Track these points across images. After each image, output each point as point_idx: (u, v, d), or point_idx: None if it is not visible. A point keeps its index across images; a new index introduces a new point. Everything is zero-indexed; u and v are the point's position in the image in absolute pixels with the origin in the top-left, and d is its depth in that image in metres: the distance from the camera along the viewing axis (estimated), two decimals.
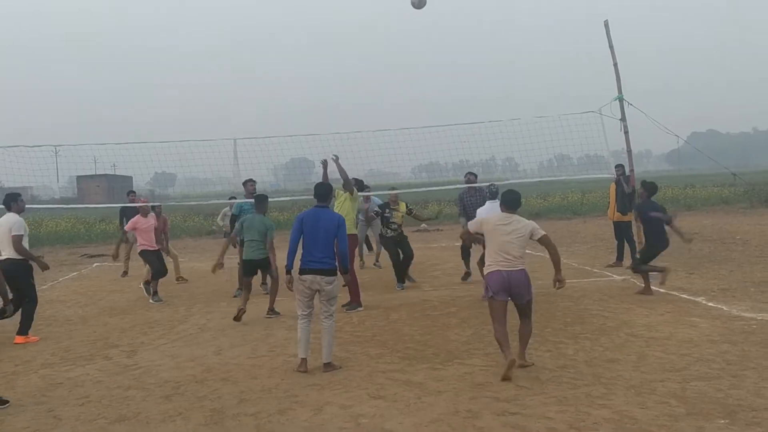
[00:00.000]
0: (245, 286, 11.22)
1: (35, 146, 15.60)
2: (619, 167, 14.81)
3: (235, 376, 7.78)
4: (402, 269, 13.77)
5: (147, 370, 8.27)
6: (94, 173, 65.25)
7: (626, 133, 13.75)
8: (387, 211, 13.90)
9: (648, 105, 15.49)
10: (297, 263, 8.11)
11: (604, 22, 13.81)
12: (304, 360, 7.97)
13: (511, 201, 7.83)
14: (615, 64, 13.75)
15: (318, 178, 12.06)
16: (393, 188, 14.82)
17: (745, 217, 26.95)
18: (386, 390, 7.00)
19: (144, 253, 13.40)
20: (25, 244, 10.08)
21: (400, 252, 13.67)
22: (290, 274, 8.12)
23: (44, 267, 10.67)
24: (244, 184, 13.71)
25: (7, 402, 7.13)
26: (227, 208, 17.15)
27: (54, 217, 34.19)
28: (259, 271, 11.72)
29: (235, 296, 12.92)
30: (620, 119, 13.74)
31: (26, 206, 10.72)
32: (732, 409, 6.03)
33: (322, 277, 7.96)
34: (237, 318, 10.57)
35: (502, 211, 7.87)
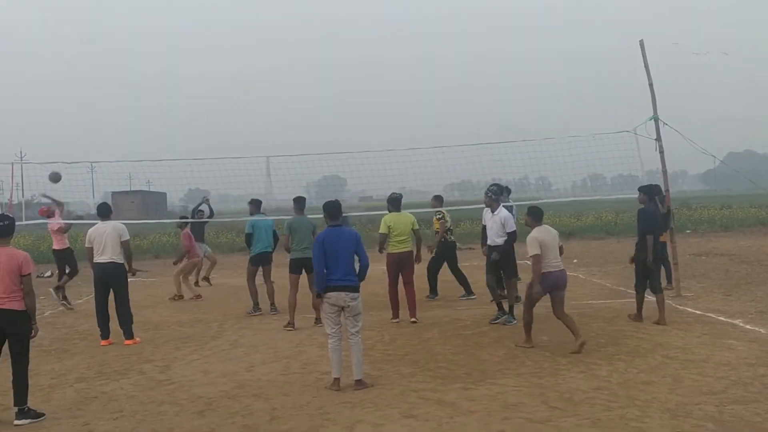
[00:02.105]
0: (293, 284, 11.78)
1: (72, 163, 15.82)
2: (654, 187, 14.63)
3: (267, 393, 7.80)
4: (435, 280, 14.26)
5: (180, 385, 8.32)
6: (128, 189, 66.09)
7: (661, 153, 13.62)
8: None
9: (684, 124, 15.34)
10: None
11: (640, 41, 13.73)
12: (337, 380, 7.97)
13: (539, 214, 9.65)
14: (650, 84, 13.65)
15: (350, 195, 12.32)
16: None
17: None
18: (418, 409, 6.98)
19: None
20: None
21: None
22: (320, 297, 8.15)
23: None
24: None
25: (43, 415, 7.23)
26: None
27: None
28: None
29: (249, 313, 13.23)
30: (655, 139, 13.61)
31: (63, 221, 11.12)
32: None
33: (347, 293, 8.02)
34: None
35: (534, 223, 9.56)
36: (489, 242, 11.47)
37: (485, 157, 16.19)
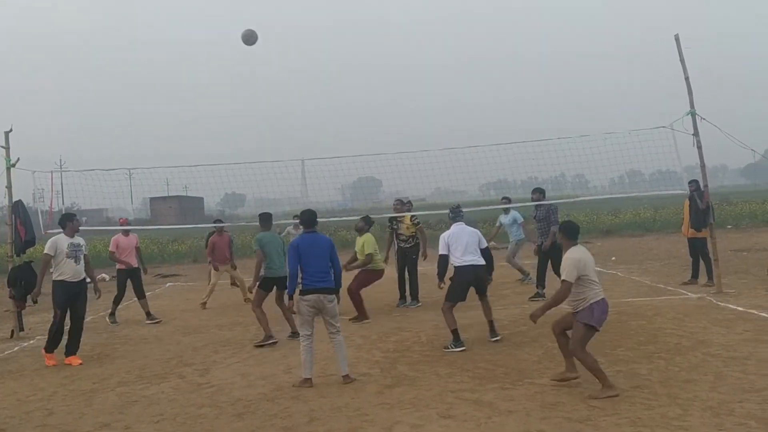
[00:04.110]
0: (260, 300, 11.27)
1: (110, 169, 16.07)
2: (693, 183, 14.45)
3: (305, 395, 7.84)
4: (403, 286, 14.20)
5: (219, 388, 8.40)
6: (166, 195, 66.84)
7: (699, 148, 13.42)
8: (394, 223, 14.26)
9: (722, 118, 15.11)
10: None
11: (675, 36, 13.57)
12: (308, 380, 8.24)
13: (575, 231, 7.84)
14: (686, 78, 13.47)
15: (386, 196, 12.42)
16: (400, 201, 14.60)
17: None
18: (456, 409, 6.96)
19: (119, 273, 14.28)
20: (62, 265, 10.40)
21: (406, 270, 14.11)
22: (292, 298, 8.60)
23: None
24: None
25: None
26: (291, 227, 17.45)
27: None
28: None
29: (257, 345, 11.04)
30: (693, 134, 13.43)
31: (102, 228, 11.16)
32: None
33: (325, 295, 8.35)
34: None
35: (568, 242, 7.74)
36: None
37: (521, 156, 16.08)
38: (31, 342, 12.28)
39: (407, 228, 14.04)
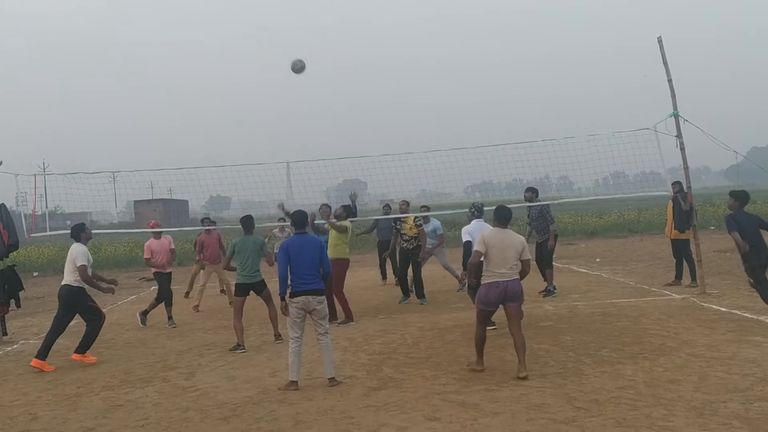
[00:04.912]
0: (239, 309, 11.09)
1: (94, 173, 15.98)
2: (676, 184, 14.55)
3: (291, 398, 7.82)
4: (406, 283, 14.64)
5: (205, 392, 8.37)
6: (151, 198, 66.50)
7: (683, 149, 13.50)
8: (398, 223, 14.65)
9: (705, 120, 15.21)
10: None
11: (658, 38, 13.64)
12: (294, 382, 8.24)
13: (505, 217, 8.44)
14: (669, 80, 13.55)
15: (371, 199, 12.42)
16: (405, 201, 15.19)
17: None
18: (442, 411, 6.96)
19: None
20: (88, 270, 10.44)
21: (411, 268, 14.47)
22: (284, 300, 8.52)
23: (109, 290, 11.09)
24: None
25: None
26: (276, 230, 17.40)
27: (112, 242, 34.92)
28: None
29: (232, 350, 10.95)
30: (676, 136, 13.51)
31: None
32: None
33: (314, 297, 8.38)
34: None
35: (496, 226, 8.44)
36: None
37: (505, 158, 16.11)
38: (15, 347, 12.20)
39: (410, 229, 14.33)
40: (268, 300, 11.41)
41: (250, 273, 11.22)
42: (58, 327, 10.46)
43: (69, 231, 11.12)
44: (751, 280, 10.80)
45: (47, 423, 7.47)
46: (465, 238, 10.66)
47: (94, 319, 10.58)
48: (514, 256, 8.16)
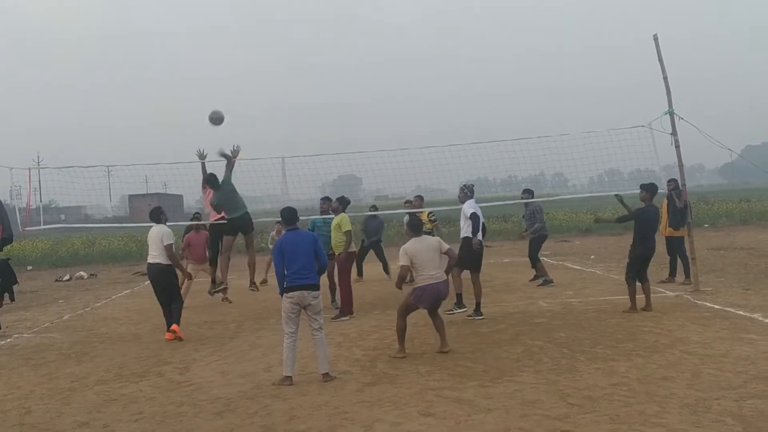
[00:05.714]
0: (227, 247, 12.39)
1: (89, 166, 15.91)
2: (671, 182, 14.57)
3: (285, 393, 7.83)
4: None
5: (199, 386, 8.37)
6: (145, 192, 66.34)
7: (677, 147, 13.52)
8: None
9: (700, 118, 15.22)
10: None
11: (654, 36, 13.64)
12: (288, 377, 8.25)
13: (417, 227, 9.50)
14: (665, 78, 13.56)
15: (366, 194, 12.55)
16: (419, 196, 15.42)
17: None
18: (436, 407, 6.98)
19: None
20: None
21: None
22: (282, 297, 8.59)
23: (187, 275, 12.40)
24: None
25: None
26: (273, 233, 17.41)
27: (107, 236, 34.80)
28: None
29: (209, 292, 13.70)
30: (671, 134, 13.52)
31: (80, 225, 11.11)
32: None
33: (309, 292, 8.38)
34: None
35: (411, 234, 9.46)
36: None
37: (500, 154, 16.10)
38: (9, 340, 12.16)
39: (424, 224, 14.18)
40: (249, 244, 12.34)
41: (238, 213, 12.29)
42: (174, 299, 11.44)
43: (64, 224, 11.35)
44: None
45: (41, 417, 7.47)
46: (470, 211, 11.74)
47: (178, 297, 11.55)
48: (437, 255, 9.16)
